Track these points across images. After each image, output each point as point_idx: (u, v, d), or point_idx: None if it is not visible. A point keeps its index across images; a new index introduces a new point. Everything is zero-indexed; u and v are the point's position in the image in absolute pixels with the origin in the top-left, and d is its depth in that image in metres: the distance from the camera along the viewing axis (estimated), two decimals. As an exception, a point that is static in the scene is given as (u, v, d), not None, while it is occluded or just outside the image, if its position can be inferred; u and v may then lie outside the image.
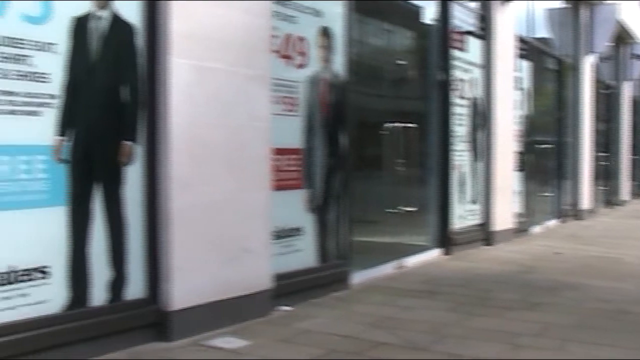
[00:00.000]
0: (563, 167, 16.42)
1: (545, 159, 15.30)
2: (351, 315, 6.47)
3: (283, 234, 6.83)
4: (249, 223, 6.15)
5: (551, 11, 15.85)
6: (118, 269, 5.19)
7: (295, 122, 7.01)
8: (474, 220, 11.32)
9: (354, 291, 7.51)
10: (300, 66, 7.07)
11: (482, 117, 11.49)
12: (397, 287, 7.80)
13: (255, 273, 6.22)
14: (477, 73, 11.41)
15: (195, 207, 5.57)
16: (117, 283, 5.20)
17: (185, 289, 5.49)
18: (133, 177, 5.28)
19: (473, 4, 11.31)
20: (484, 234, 11.44)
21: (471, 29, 11.25)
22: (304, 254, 7.17)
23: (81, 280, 4.95)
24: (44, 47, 4.70)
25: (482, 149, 11.52)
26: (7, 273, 4.50)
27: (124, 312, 5.22)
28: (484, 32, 11.55)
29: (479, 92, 11.46)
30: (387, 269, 8.72)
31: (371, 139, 9.44)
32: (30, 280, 4.63)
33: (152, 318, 5.39)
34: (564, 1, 16.29)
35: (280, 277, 6.48)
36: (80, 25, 4.92)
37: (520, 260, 9.98)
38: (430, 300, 7.12)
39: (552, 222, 15.10)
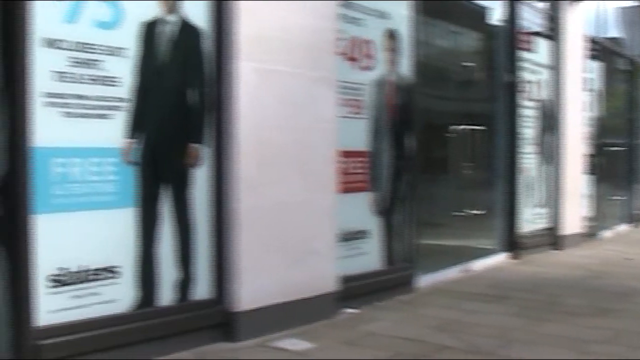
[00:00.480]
0: (634, 170, 16.02)
1: (616, 162, 14.96)
2: (416, 318, 6.43)
3: (349, 237, 6.82)
4: (315, 225, 6.17)
5: (622, 10, 15.50)
6: (185, 270, 5.27)
7: (361, 124, 7.00)
8: (542, 224, 11.14)
9: (419, 294, 7.46)
10: (366, 68, 7.06)
11: (550, 119, 11.30)
12: (463, 291, 7.72)
13: (321, 275, 6.24)
14: (545, 74, 11.23)
15: (262, 209, 5.61)
16: (185, 283, 5.27)
17: (251, 290, 5.53)
18: (200, 179, 5.36)
19: (541, 4, 11.14)
20: (552, 238, 11.24)
21: (539, 29, 11.07)
22: (369, 256, 7.15)
23: (149, 280, 5.03)
24: (115, 51, 4.80)
25: (550, 151, 11.32)
26: (78, 272, 4.61)
27: (191, 312, 5.29)
28: (553, 32, 11.36)
29: (547, 93, 11.27)
30: (453, 272, 8.64)
31: (438, 141, 9.38)
32: (100, 279, 4.73)
33: (219, 318, 5.45)
34: (636, 0, 15.90)
35: (345, 280, 6.48)
36: (149, 30, 5.01)
37: (589, 265, 9.78)
38: (497, 305, 7.03)
39: (623, 227, 14.74)
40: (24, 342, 4.38)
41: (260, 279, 5.60)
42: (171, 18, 5.15)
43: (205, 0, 5.37)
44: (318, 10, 6.17)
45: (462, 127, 9.39)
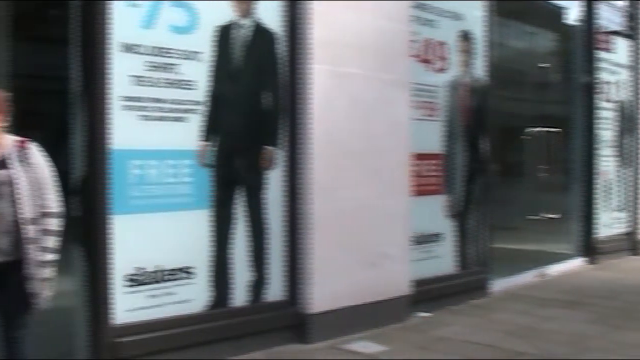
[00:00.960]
0: None
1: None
2: (489, 323, 6.33)
3: (422, 240, 6.77)
4: (387, 228, 6.14)
5: None
6: (259, 271, 5.31)
7: (435, 127, 6.95)
8: (621, 228, 10.83)
9: (493, 299, 7.35)
10: (440, 70, 7.00)
11: (629, 121, 10.99)
12: (538, 296, 7.57)
13: (393, 278, 6.20)
14: (624, 75, 10.92)
15: (335, 212, 5.61)
16: (258, 285, 5.32)
17: (323, 293, 5.54)
18: (274, 182, 5.40)
19: (621, 3, 10.84)
20: (631, 243, 10.93)
21: (618, 28, 10.78)
22: (443, 260, 7.08)
23: (223, 281, 5.09)
24: (190, 55, 4.88)
25: (629, 154, 11.01)
26: (154, 272, 4.70)
27: (263, 314, 5.33)
28: (633, 31, 11.05)
29: (626, 94, 10.97)
30: (528, 277, 8.48)
31: (513, 143, 9.23)
32: (175, 279, 4.81)
33: (291, 320, 5.47)
34: None
35: (418, 283, 6.43)
36: (224, 34, 5.07)
37: (671, 272, 9.48)
38: (573, 311, 6.87)
39: None
40: (101, 340, 4.49)
41: (333, 282, 5.60)
42: (245, 22, 5.20)
43: (278, 3, 5.40)
44: (390, 12, 6.14)
45: (537, 129, 9.22)
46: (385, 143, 6.08)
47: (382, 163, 6.04)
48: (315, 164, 5.45)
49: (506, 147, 8.92)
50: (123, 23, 4.53)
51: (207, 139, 4.95)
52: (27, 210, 3.68)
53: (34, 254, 3.70)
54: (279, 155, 5.41)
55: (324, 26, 5.52)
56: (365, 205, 5.90)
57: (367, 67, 5.93)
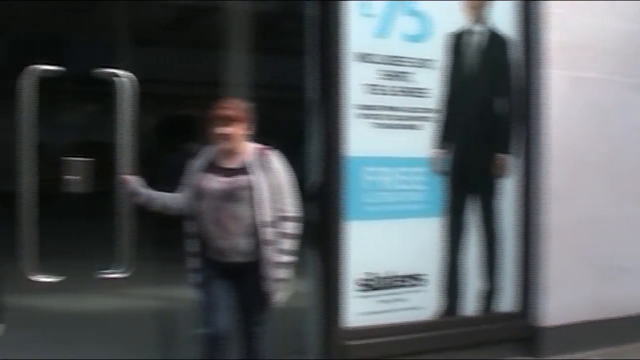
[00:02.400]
0: None
1: None
2: None
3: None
4: (625, 240, 5.80)
5: None
6: (491, 281, 5.22)
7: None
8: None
9: None
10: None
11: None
12: None
13: (632, 294, 5.84)
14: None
15: (571, 221, 5.38)
16: (489, 294, 5.22)
17: (557, 306, 5.33)
18: (508, 190, 5.28)
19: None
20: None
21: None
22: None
23: (454, 290, 5.06)
24: (423, 63, 4.90)
25: None
26: (386, 278, 4.75)
27: (494, 324, 5.23)
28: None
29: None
30: None
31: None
32: (406, 286, 4.84)
33: (522, 332, 5.32)
34: None
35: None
36: (457, 41, 5.04)
37: None
38: None
39: None
40: (332, 341, 4.61)
41: (568, 295, 5.37)
42: (478, 28, 5.14)
43: (512, 5, 5.28)
44: (629, 13, 5.80)
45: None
46: (624, 148, 5.75)
47: (621, 171, 5.72)
48: (551, 172, 5.26)
49: None
50: (358, 33, 4.65)
51: (440, 147, 4.95)
52: (266, 213, 3.85)
53: (271, 255, 3.86)
54: (512, 163, 5.29)
55: (561, 30, 5.32)
56: (602, 214, 5.61)
57: (604, 70, 5.65)
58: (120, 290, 6.06)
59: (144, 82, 4.37)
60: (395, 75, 4.78)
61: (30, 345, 5.04)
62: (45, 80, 4.08)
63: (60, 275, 4.16)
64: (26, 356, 4.73)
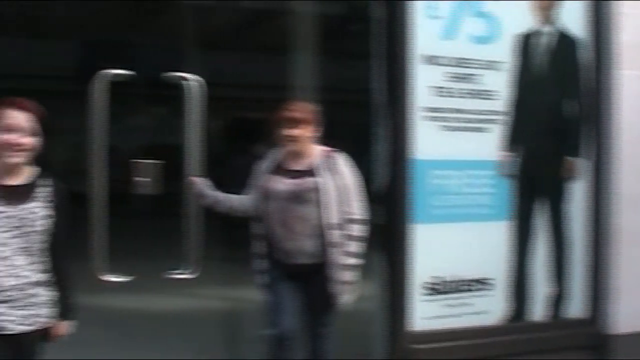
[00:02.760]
0: None
1: None
2: None
3: None
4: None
5: None
6: (559, 286, 5.12)
7: None
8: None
9: None
10: None
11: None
12: None
13: None
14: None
15: (642, 226, 5.27)
16: (557, 300, 5.13)
17: (628, 313, 5.19)
18: (577, 193, 5.17)
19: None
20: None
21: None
22: None
23: (521, 294, 4.98)
24: (490, 65, 4.85)
25: None
26: (452, 282, 4.72)
27: (562, 330, 5.12)
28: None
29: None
30: None
31: None
32: (472, 290, 4.80)
33: (591, 340, 5.20)
34: None
35: None
36: (525, 42, 4.97)
37: None
38: None
39: None
40: (398, 345, 4.61)
41: (639, 301, 5.25)
42: (547, 29, 5.06)
43: (581, 5, 5.18)
44: None
45: None
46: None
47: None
48: (622, 175, 5.14)
49: None
50: (424, 35, 4.63)
51: (508, 149, 4.88)
52: (332, 215, 3.87)
53: (337, 257, 3.88)
54: (582, 165, 5.19)
55: (632, 29, 5.19)
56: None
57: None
58: (187, 290, 6.17)
59: (212, 85, 4.44)
60: (463, 78, 4.74)
61: (101, 344, 5.16)
62: (116, 84, 4.17)
63: (130, 275, 4.24)
64: (97, 354, 4.84)
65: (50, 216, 3.08)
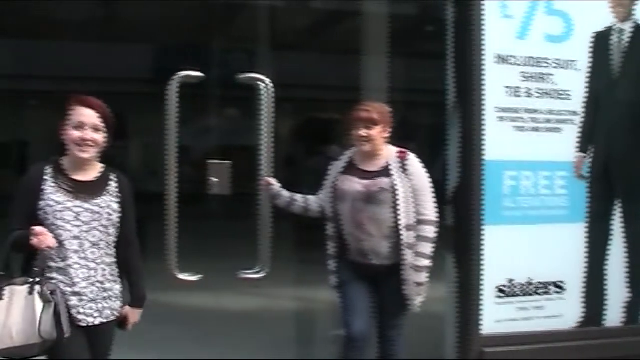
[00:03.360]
0: None
1: None
2: None
3: None
4: None
5: None
6: (636, 291, 5.00)
7: None
8: None
9: None
10: None
11: None
12: None
13: None
14: None
15: None
16: (634, 306, 5.00)
17: None
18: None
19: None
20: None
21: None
22: None
23: (596, 299, 4.88)
24: (565, 64, 4.76)
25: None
26: (525, 285, 4.65)
27: (636, 337, 4.98)
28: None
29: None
30: None
31: None
32: (546, 293, 4.72)
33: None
34: None
35: None
36: (602, 40, 4.86)
37: None
38: None
39: None
40: (470, 348, 4.57)
41: None
42: (625, 26, 4.94)
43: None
44: None
45: None
46: None
47: None
48: None
49: None
50: (497, 35, 4.58)
51: (583, 150, 4.79)
52: (405, 216, 3.86)
53: (410, 258, 3.87)
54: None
55: None
56: None
57: None
58: (259, 290, 6.24)
59: (284, 86, 4.48)
60: (536, 77, 4.67)
61: (174, 342, 5.26)
62: (191, 86, 4.24)
63: (202, 274, 4.30)
64: (171, 352, 4.94)
65: (119, 210, 3.19)
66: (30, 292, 2.94)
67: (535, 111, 4.66)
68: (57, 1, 8.85)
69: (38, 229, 2.97)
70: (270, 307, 6.38)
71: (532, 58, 4.67)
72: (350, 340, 3.93)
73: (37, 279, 2.96)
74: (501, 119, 4.57)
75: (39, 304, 2.93)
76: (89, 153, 3.13)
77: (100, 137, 3.15)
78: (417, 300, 3.95)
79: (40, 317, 2.92)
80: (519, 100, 4.62)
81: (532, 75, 4.67)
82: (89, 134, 3.11)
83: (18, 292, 2.95)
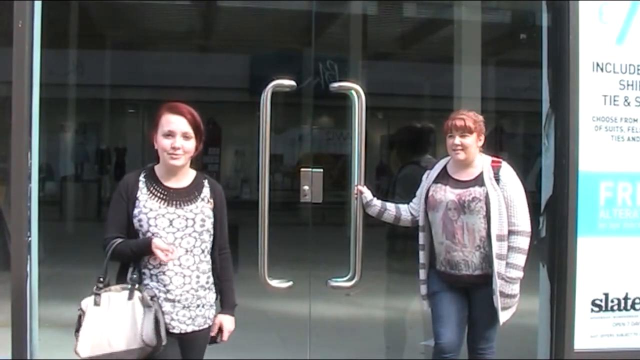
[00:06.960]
0: None
1: None
2: None
3: None
4: None
5: None
6: None
7: None
8: None
9: None
10: None
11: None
12: None
13: None
14: None
15: None
16: None
17: None
18: None
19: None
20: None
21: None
22: None
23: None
24: (667, 71, 4.61)
25: None
26: (622, 299, 4.51)
27: None
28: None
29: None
30: None
31: None
32: (643, 309, 4.57)
33: None
34: None
35: None
36: None
37: None
38: None
39: None
40: (562, 361, 4.44)
41: None
42: None
43: None
44: None
45: None
46: None
47: None
48: None
49: None
50: (593, 42, 4.46)
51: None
52: (498, 227, 3.81)
53: (501, 269, 3.81)
54: None
55: None
56: None
57: None
58: (348, 298, 6.26)
59: (378, 95, 4.49)
60: (634, 85, 4.53)
61: (264, 347, 5.33)
62: (284, 94, 4.29)
63: (292, 280, 4.33)
64: (260, 357, 5.00)
65: (212, 216, 3.21)
66: (130, 297, 3.01)
67: (635, 120, 4.52)
68: (156, 14, 9.13)
69: (161, 244, 3.02)
70: (360, 315, 6.38)
71: (632, 65, 4.54)
72: (440, 351, 3.90)
73: (137, 285, 3.03)
74: (598, 128, 4.45)
75: (139, 309, 2.99)
76: (180, 160, 3.14)
77: (190, 145, 3.16)
78: (508, 312, 3.89)
79: (142, 322, 2.98)
80: (616, 109, 4.49)
81: (631, 83, 4.54)
82: (179, 142, 3.12)
83: (116, 298, 3.02)
